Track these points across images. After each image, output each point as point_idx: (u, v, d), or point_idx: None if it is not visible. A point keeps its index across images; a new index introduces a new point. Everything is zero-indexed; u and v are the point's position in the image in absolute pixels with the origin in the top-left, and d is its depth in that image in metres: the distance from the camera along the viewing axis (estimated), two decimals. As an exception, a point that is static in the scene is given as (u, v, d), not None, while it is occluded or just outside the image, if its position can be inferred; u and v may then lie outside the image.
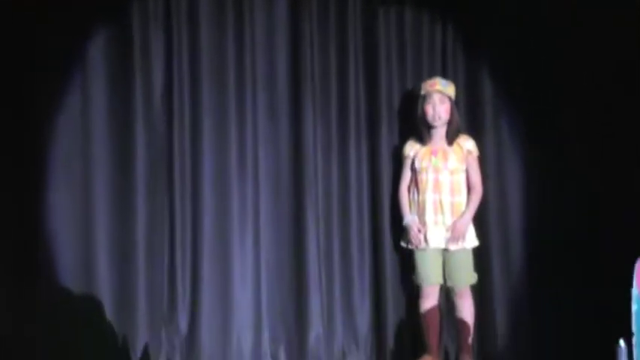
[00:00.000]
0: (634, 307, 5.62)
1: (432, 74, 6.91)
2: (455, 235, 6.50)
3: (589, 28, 6.71)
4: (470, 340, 6.58)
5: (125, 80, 6.89)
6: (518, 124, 7.10)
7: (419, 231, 6.57)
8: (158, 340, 6.63)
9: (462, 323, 6.57)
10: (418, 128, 6.66)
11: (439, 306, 6.63)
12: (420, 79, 6.92)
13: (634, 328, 5.52)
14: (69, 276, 6.66)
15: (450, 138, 6.60)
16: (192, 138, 6.97)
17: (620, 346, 5.40)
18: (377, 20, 7.12)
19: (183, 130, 6.94)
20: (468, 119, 6.92)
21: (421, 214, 6.58)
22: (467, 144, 6.61)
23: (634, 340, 5.49)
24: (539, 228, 7.02)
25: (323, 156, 7.07)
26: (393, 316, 6.99)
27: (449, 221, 6.53)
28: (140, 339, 6.36)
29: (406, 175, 6.70)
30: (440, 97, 6.59)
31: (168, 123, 6.94)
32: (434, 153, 6.59)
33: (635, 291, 5.79)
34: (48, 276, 6.64)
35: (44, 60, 6.73)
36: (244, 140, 7.02)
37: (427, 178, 6.57)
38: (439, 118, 6.57)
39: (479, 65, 7.12)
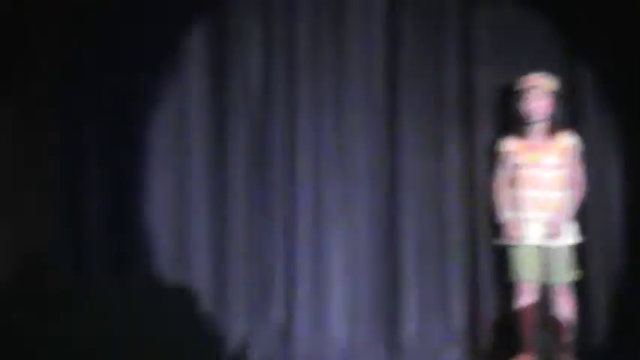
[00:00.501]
0: None
1: (531, 70, 6.82)
2: (554, 231, 6.49)
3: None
4: (569, 338, 6.57)
5: (222, 70, 6.99)
6: (620, 118, 7.04)
7: (516, 227, 6.58)
8: (255, 333, 6.71)
9: (560, 321, 6.55)
10: (517, 124, 6.68)
11: (537, 303, 6.57)
12: (518, 75, 6.86)
13: None
14: (166, 267, 6.77)
15: (550, 134, 6.61)
16: (289, 128, 7.03)
17: None
18: (475, 15, 7.12)
19: (279, 121, 7.01)
20: (569, 114, 6.83)
21: (519, 210, 6.60)
22: (567, 139, 6.60)
23: None
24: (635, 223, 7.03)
25: (418, 151, 7.07)
26: (489, 313, 7.00)
27: (548, 217, 6.52)
28: (237, 331, 6.47)
29: (504, 171, 6.72)
30: (539, 93, 6.61)
31: (264, 113, 7.02)
32: (533, 149, 6.60)
33: None
34: (146, 267, 6.76)
35: (143, 51, 6.84)
36: (340, 133, 7.07)
37: (526, 175, 6.59)
38: (539, 113, 6.58)
39: (578, 59, 7.07)
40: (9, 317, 5.56)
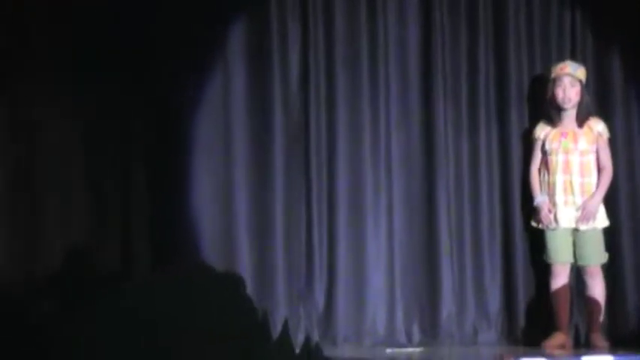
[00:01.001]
0: None
1: (561, 58, 6.90)
2: (585, 214, 6.51)
3: None
4: (600, 318, 6.58)
5: (264, 68, 6.96)
6: None
7: (549, 211, 6.59)
8: (297, 316, 6.68)
9: (592, 302, 6.57)
10: (548, 111, 6.69)
11: (569, 285, 6.62)
12: (549, 62, 6.93)
13: None
14: (212, 253, 6.69)
15: (580, 120, 6.61)
16: (327, 122, 7.02)
17: None
18: (506, 5, 7.12)
19: (318, 116, 7.01)
20: (598, 101, 6.90)
21: (551, 194, 6.60)
22: (597, 126, 6.62)
23: None
24: None
25: (454, 139, 7.08)
26: (523, 295, 6.98)
27: (579, 201, 6.54)
28: (280, 314, 6.39)
29: (536, 157, 6.73)
30: (570, 80, 6.60)
31: (304, 109, 7.01)
32: (564, 135, 6.61)
33: None
34: (192, 253, 6.70)
35: (189, 49, 6.83)
36: (377, 124, 7.04)
37: (557, 160, 6.59)
38: (569, 100, 6.58)
39: (608, 48, 7.09)
40: (58, 306, 5.51)
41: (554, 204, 6.59)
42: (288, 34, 7.01)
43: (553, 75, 6.67)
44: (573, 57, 6.91)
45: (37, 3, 6.69)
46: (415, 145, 7.07)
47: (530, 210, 6.80)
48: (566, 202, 6.56)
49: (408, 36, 7.12)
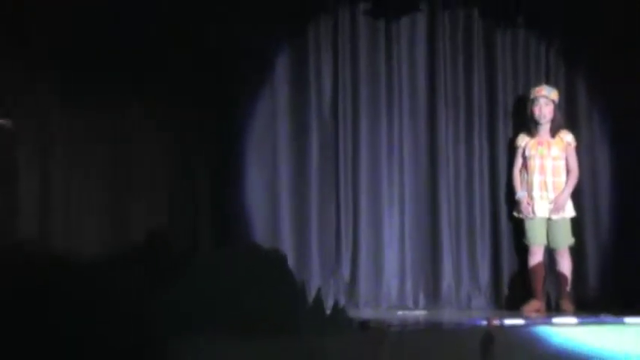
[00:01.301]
0: None
1: (538, 82, 6.90)
2: (556, 207, 6.53)
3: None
4: (568, 288, 6.57)
5: (302, 88, 7.00)
6: (608, 120, 7.01)
7: (528, 204, 6.60)
8: (328, 286, 6.67)
9: (561, 276, 6.59)
10: (528, 124, 6.69)
11: (544, 262, 6.62)
12: (529, 86, 6.91)
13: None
14: (261, 235, 6.78)
15: (553, 132, 6.60)
16: (352, 131, 7.03)
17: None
18: (495, 41, 7.11)
19: (345, 126, 7.01)
20: (567, 117, 6.85)
21: (530, 190, 6.60)
22: (566, 137, 6.61)
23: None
24: (624, 203, 6.96)
25: (453, 146, 7.08)
26: (507, 270, 6.99)
27: (552, 196, 6.54)
28: (314, 284, 6.30)
29: (518, 161, 6.71)
30: (545, 101, 6.59)
31: (334, 120, 7.02)
32: (540, 144, 6.61)
33: None
34: (246, 234, 6.78)
35: (245, 70, 6.86)
36: (392, 133, 7.05)
37: (534, 163, 6.60)
38: (544, 117, 6.58)
39: (575, 74, 7.06)
40: (136, 281, 5.43)
41: (531, 198, 6.59)
42: (321, 62, 7.01)
43: (532, 96, 6.67)
44: (548, 81, 6.92)
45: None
46: (422, 149, 7.06)
47: (513, 203, 6.80)
48: (541, 197, 6.57)
49: (417, 63, 7.10)
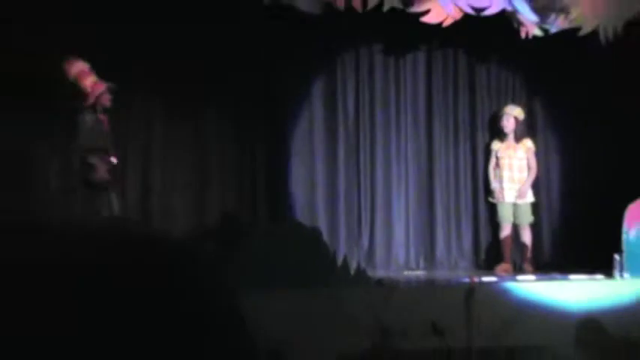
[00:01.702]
0: (623, 237, 5.70)
1: (506, 102, 6.92)
2: (521, 194, 6.55)
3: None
4: (529, 254, 6.60)
5: (333, 104, 6.97)
6: (558, 130, 7.11)
7: (500, 192, 6.60)
8: (352, 253, 6.59)
9: (524, 245, 6.62)
10: (499, 134, 6.71)
11: (511, 235, 6.62)
12: (500, 105, 6.95)
13: (623, 248, 5.64)
14: (302, 214, 6.76)
15: (518, 139, 6.61)
16: (370, 139, 7.03)
17: (615, 258, 5.53)
18: (475, 72, 7.14)
19: (365, 135, 7.02)
20: (528, 128, 6.87)
21: (501, 182, 6.61)
22: (528, 143, 6.62)
23: (623, 255, 5.60)
24: (570, 191, 7.06)
25: (445, 149, 7.13)
26: (484, 240, 7.07)
27: (517, 187, 6.56)
28: (341, 252, 6.28)
29: (492, 161, 6.73)
30: (512, 116, 6.60)
31: (356, 131, 7.00)
32: (508, 148, 6.62)
33: (624, 227, 5.84)
34: (291, 214, 6.71)
35: (291, 96, 6.82)
36: (399, 142, 7.08)
37: (504, 163, 6.60)
38: (509, 128, 6.60)
39: (534, 97, 7.13)
40: (215, 249, 5.16)
41: (502, 188, 6.59)
42: (347, 89, 6.98)
43: (501, 113, 6.71)
44: (513, 102, 6.92)
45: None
46: (422, 152, 7.10)
47: (488, 191, 6.83)
48: (509, 187, 6.58)
49: (418, 90, 7.12)
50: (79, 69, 5.00)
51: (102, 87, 5.13)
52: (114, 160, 5.23)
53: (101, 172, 5.07)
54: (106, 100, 5.16)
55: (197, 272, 0.56)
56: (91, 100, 5.09)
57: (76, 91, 4.87)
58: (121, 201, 5.56)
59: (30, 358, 0.49)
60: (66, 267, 0.52)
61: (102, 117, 5.20)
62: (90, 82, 5.08)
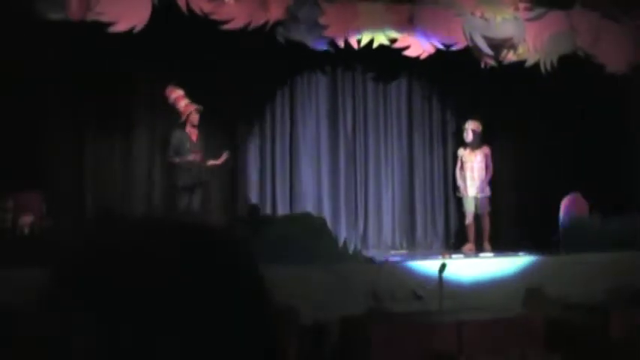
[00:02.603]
0: (560, 222, 5.88)
1: (470, 117, 6.73)
2: (480, 190, 6.55)
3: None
4: (487, 235, 6.56)
5: (334, 116, 6.90)
6: (510, 139, 7.14)
7: (464, 188, 6.60)
8: (350, 236, 6.53)
9: (484, 229, 6.58)
10: (464, 143, 6.70)
11: (473, 221, 6.58)
12: (465, 119, 6.79)
13: (560, 231, 5.78)
14: (311, 206, 6.57)
15: (477, 146, 6.61)
16: (364, 146, 6.98)
17: (554, 238, 5.74)
18: (446, 95, 7.11)
19: (360, 147, 6.99)
20: (486, 137, 6.73)
21: (464, 181, 6.61)
22: (485, 149, 6.62)
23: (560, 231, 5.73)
24: (517, 187, 7.09)
25: (422, 154, 7.16)
26: (453, 225, 7.12)
27: (477, 184, 6.55)
28: (342, 235, 6.26)
29: (458, 164, 6.73)
30: (471, 129, 6.58)
31: (353, 138, 6.94)
32: (470, 153, 6.61)
33: (560, 215, 6.05)
34: (303, 206, 6.50)
35: (299, 109, 6.74)
36: (387, 148, 7.06)
37: (468, 166, 6.60)
38: (472, 138, 6.60)
39: (492, 112, 6.99)
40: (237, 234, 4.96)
41: (466, 185, 6.59)
42: (346, 106, 6.95)
43: (465, 126, 6.65)
44: (473, 117, 6.70)
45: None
46: (405, 157, 7.11)
47: (456, 188, 6.82)
48: (472, 185, 6.56)
49: (401, 107, 7.12)
50: (177, 94, 5.48)
51: (192, 108, 5.54)
52: (199, 160, 5.50)
53: (185, 178, 5.44)
54: (195, 119, 5.57)
55: (236, 250, 0.61)
56: (184, 117, 5.54)
57: (174, 111, 5.54)
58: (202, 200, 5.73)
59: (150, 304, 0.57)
60: (164, 253, 0.59)
61: (191, 130, 5.58)
62: (184, 104, 5.48)
